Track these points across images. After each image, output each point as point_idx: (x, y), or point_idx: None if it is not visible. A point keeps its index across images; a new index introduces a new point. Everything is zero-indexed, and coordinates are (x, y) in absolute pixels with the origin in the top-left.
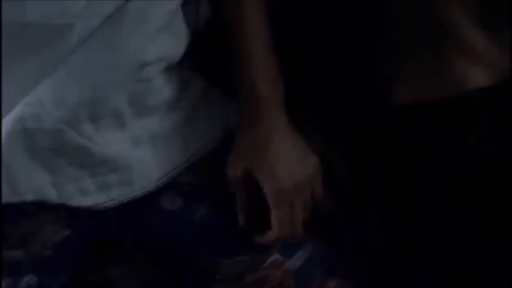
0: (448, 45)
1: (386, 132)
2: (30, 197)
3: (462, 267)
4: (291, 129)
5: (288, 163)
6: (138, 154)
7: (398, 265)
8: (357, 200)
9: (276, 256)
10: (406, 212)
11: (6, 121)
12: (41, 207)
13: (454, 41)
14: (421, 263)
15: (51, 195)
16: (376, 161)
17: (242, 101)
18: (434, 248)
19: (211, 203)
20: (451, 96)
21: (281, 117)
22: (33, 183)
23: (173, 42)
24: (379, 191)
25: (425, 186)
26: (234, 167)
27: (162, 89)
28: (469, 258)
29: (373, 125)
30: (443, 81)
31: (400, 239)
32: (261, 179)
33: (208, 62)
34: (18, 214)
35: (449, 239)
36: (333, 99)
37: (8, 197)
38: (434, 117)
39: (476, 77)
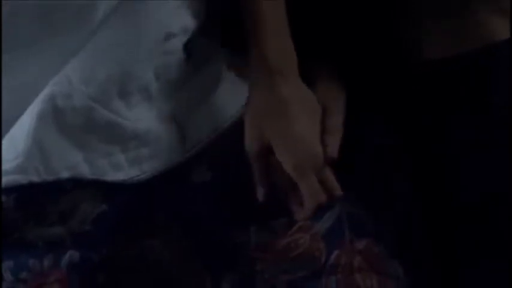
0: None
1: (415, 90)
2: (65, 174)
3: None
4: (307, 97)
5: (305, 133)
6: (165, 127)
7: (428, 224)
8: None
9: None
10: (439, 172)
11: (37, 102)
12: (77, 184)
13: None
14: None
15: (85, 171)
16: (404, 121)
17: (254, 67)
18: (470, 209)
19: (237, 175)
20: (480, 49)
21: (296, 84)
22: (67, 160)
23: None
24: (409, 152)
25: (450, 146)
26: (251, 140)
27: (186, 62)
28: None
29: (402, 83)
30: (471, 34)
31: (432, 199)
32: (280, 152)
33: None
34: (57, 192)
35: (486, 199)
36: (360, 58)
37: (43, 176)
38: (461, 72)
39: (504, 28)
